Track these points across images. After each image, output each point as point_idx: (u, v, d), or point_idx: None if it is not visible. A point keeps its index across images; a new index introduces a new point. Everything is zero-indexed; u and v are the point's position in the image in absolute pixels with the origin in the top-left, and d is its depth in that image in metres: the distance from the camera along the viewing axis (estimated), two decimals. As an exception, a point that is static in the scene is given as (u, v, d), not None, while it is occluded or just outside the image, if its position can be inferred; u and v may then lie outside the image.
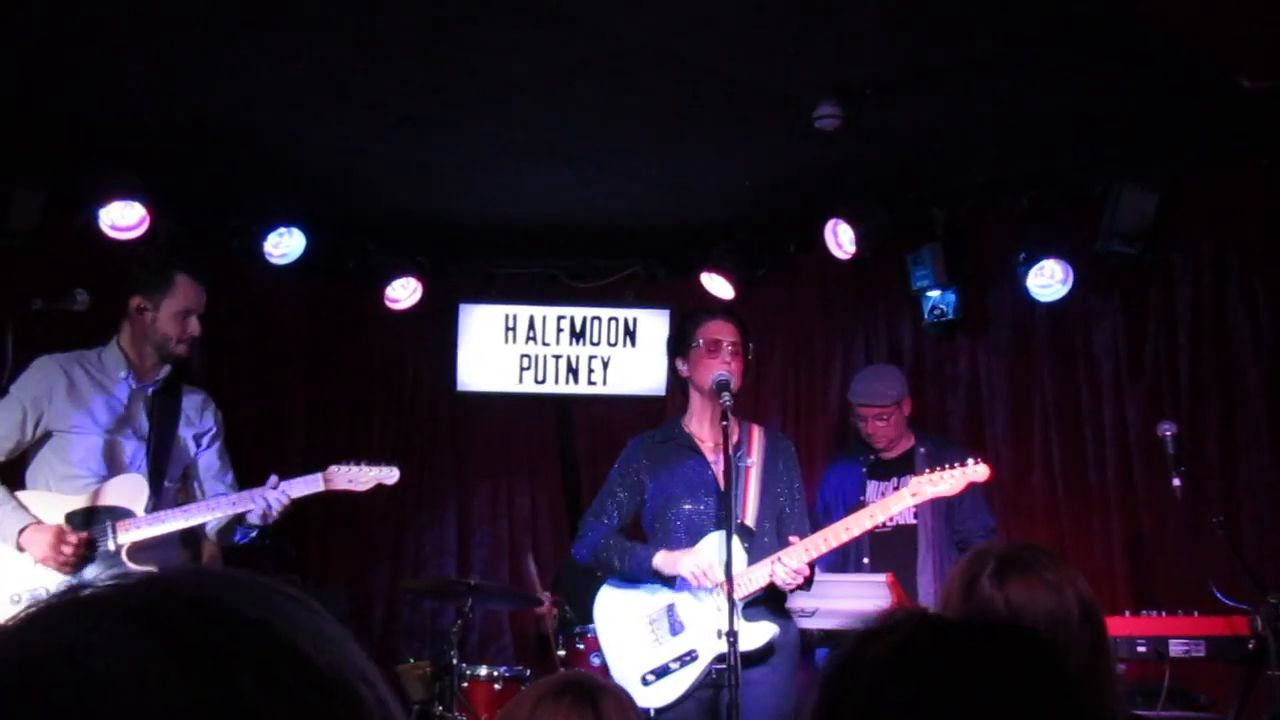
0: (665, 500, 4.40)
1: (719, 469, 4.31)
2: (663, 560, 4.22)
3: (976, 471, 4.19)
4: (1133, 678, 4.29)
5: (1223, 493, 5.28)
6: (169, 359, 4.30)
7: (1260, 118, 5.10)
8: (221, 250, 5.98)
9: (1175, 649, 4.16)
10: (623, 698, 2.22)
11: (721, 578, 4.03)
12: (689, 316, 4.60)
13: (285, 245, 6.00)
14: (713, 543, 4.20)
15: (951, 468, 4.20)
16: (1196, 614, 4.27)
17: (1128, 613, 4.39)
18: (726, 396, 4.21)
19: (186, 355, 4.35)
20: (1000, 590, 2.03)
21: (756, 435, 4.53)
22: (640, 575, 4.29)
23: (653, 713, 4.19)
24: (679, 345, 4.50)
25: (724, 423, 4.20)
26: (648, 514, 4.46)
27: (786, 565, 4.12)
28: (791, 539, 4.24)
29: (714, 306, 4.61)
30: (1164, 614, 4.30)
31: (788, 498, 4.47)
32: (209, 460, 4.42)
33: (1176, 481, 4.46)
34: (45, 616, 0.65)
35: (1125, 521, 5.70)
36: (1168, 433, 4.55)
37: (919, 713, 1.18)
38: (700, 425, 4.48)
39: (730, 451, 4.22)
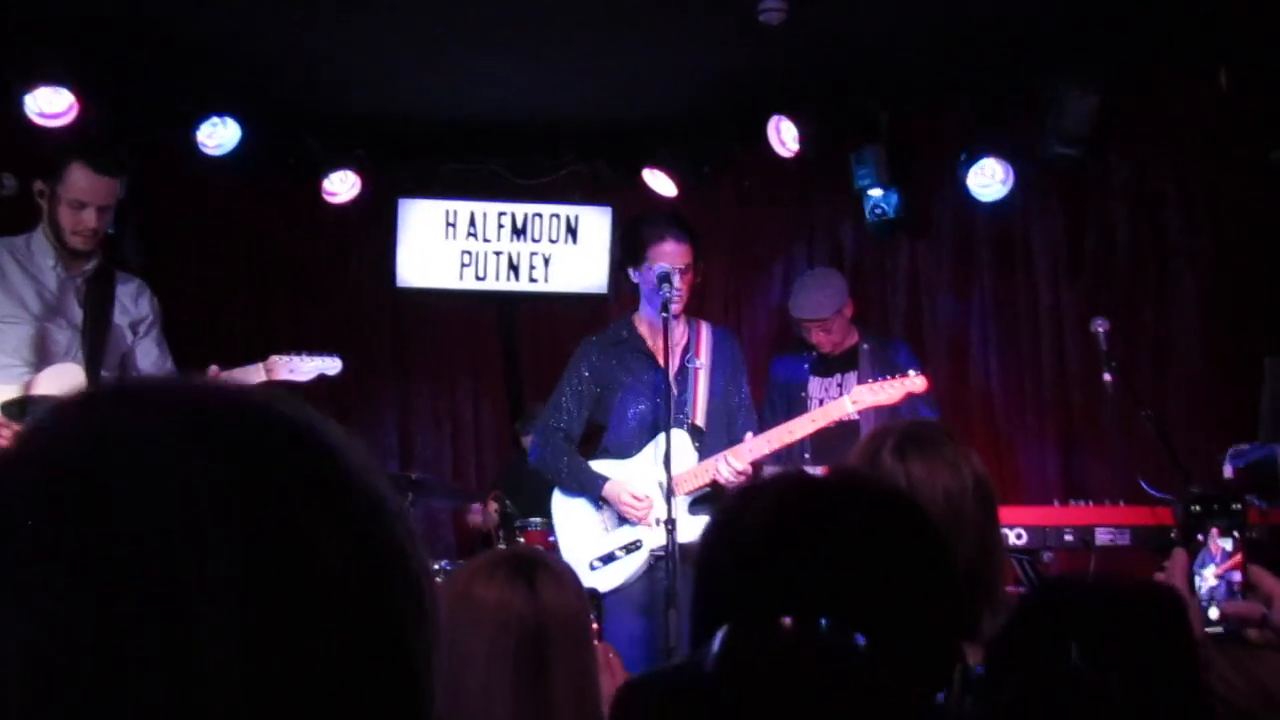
0: (618, 400, 4.63)
1: (669, 371, 4.48)
2: (608, 493, 4.49)
3: (915, 383, 4.48)
4: (1060, 566, 4.41)
5: (1154, 388, 5.41)
6: (69, 251, 4.19)
7: (1204, 22, 5.13)
8: (154, 140, 5.86)
9: (1101, 537, 4.29)
10: (560, 571, 2.19)
11: (660, 514, 4.30)
12: (643, 224, 4.67)
13: (219, 136, 5.86)
14: (662, 444, 4.36)
15: (891, 379, 4.49)
16: (1122, 504, 4.41)
17: (1056, 502, 4.53)
18: (667, 288, 4.34)
19: (86, 248, 4.19)
20: (901, 464, 2.08)
21: (704, 334, 4.71)
22: (586, 495, 4.57)
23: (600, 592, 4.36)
24: (631, 255, 4.63)
25: (664, 314, 4.31)
26: (602, 412, 4.69)
27: (731, 465, 4.37)
28: (745, 437, 4.47)
29: (664, 217, 4.65)
30: (1091, 504, 4.43)
31: (737, 397, 4.72)
32: (147, 349, 4.37)
33: (1108, 377, 4.58)
34: (93, 406, 0.67)
35: (1059, 416, 5.85)
36: (1100, 329, 4.65)
37: (793, 566, 1.21)
38: (650, 329, 4.62)
39: (671, 341, 4.42)
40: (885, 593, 1.18)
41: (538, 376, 7.05)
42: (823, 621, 1.11)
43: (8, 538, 0.60)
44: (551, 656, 2.02)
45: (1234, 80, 5.40)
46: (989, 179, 5.83)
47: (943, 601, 1.21)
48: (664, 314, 4.36)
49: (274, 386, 4.29)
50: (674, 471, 4.28)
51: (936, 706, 1.10)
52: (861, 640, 1.08)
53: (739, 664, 1.08)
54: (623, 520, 4.51)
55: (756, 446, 4.41)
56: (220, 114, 5.84)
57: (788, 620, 1.12)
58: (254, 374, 4.21)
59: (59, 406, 0.67)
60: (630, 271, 4.63)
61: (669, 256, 4.48)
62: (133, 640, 0.58)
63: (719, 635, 1.10)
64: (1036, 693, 1.20)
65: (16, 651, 0.58)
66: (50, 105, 5.28)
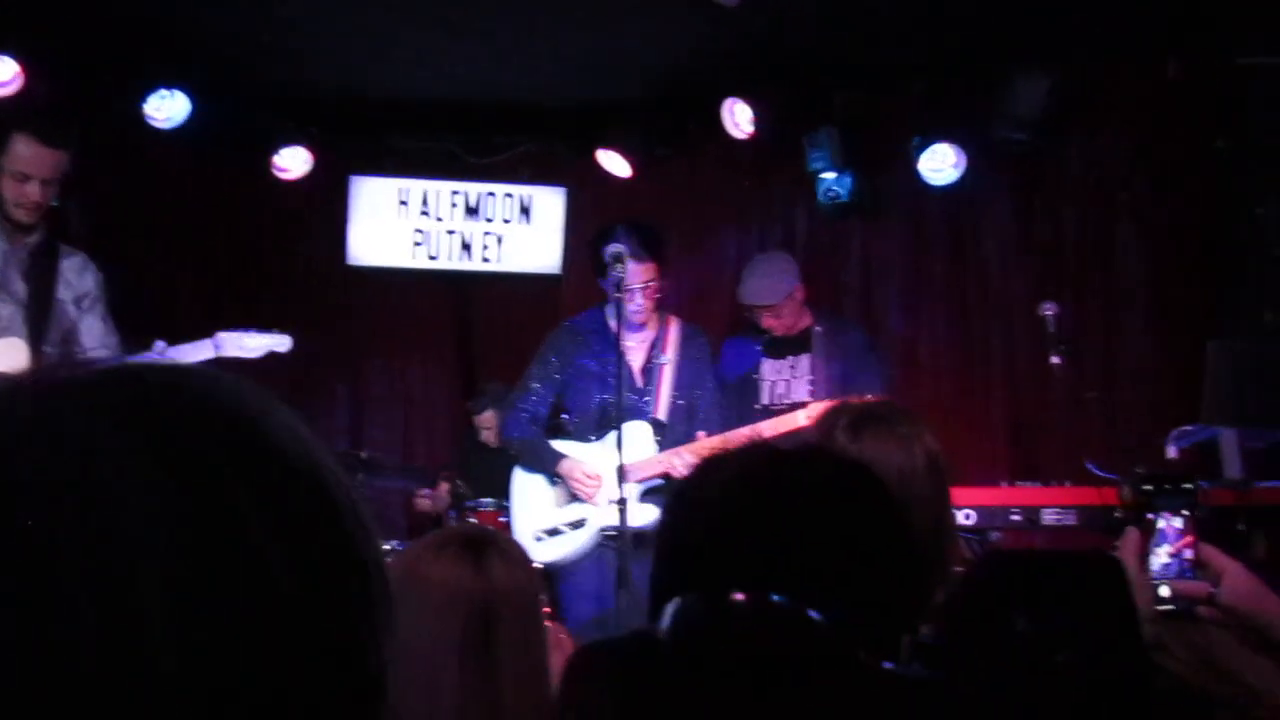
0: (584, 388, 4.84)
1: (635, 364, 4.79)
2: (563, 469, 4.74)
3: None
4: (1007, 546, 4.46)
5: (1101, 371, 5.49)
6: (12, 223, 4.13)
7: (1154, 11, 5.19)
8: (102, 110, 5.76)
9: (1048, 518, 4.35)
10: (509, 549, 2.17)
11: (610, 495, 4.52)
12: (606, 241, 4.77)
13: (168, 109, 5.77)
14: (626, 433, 4.53)
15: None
16: (1069, 485, 4.47)
17: (1004, 483, 4.58)
18: (620, 268, 4.42)
19: (29, 221, 4.13)
20: (855, 443, 2.09)
21: (673, 330, 4.89)
22: (544, 471, 4.82)
23: (543, 565, 4.51)
24: (596, 268, 4.84)
25: (617, 294, 4.41)
26: (569, 399, 4.90)
27: (685, 461, 4.53)
28: (698, 435, 4.67)
29: (626, 235, 4.70)
30: (1039, 485, 4.49)
31: (700, 393, 4.92)
32: (91, 324, 4.31)
33: (1055, 359, 4.64)
34: (16, 396, 0.63)
35: (1008, 397, 5.92)
36: (1048, 312, 4.72)
37: (755, 535, 1.22)
38: (620, 323, 4.77)
39: (631, 333, 4.67)
40: (845, 561, 1.19)
41: (491, 357, 7.03)
42: (774, 597, 1.11)
43: None
44: (499, 634, 2.01)
45: (1182, 69, 5.47)
46: (941, 163, 5.86)
47: (900, 570, 1.22)
48: (617, 294, 4.50)
49: (222, 363, 4.26)
50: (631, 460, 4.45)
51: (886, 673, 1.11)
52: (816, 615, 1.08)
53: (691, 636, 1.08)
54: (574, 498, 4.69)
55: (714, 445, 4.51)
56: (169, 86, 5.75)
57: (740, 595, 1.13)
58: (202, 350, 4.17)
59: None
60: (599, 280, 4.84)
61: (628, 275, 4.64)
62: (61, 632, 0.56)
63: (670, 608, 1.10)
64: (985, 659, 1.22)
65: None
66: (-7, 76, 5.18)
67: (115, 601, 0.57)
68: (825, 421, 2.21)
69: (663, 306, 5.07)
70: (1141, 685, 1.24)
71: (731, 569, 1.17)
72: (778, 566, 1.17)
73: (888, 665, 1.12)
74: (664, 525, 1.30)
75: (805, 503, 1.23)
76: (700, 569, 1.19)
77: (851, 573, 1.19)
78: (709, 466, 1.33)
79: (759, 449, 1.34)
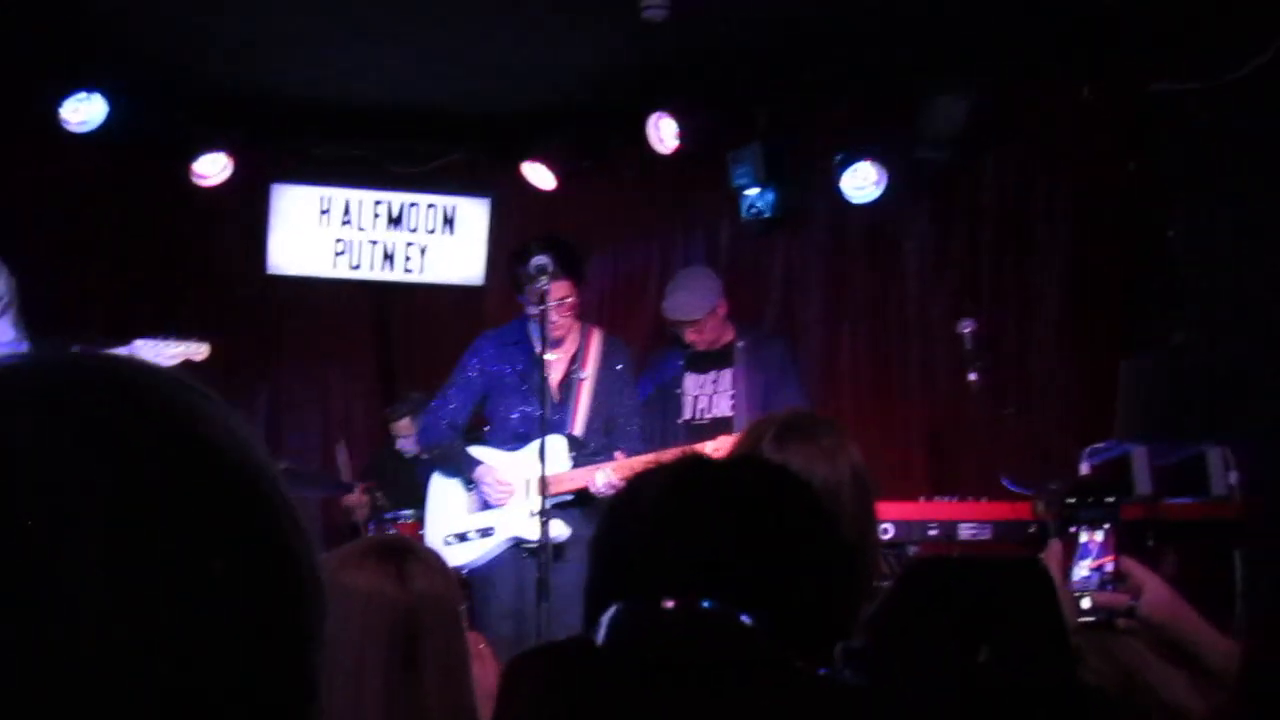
0: (502, 400, 4.82)
1: (554, 378, 4.74)
2: (478, 474, 4.74)
3: None
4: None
5: (1017, 388, 5.58)
6: None
7: (1071, 35, 5.32)
8: (16, 111, 5.64)
9: (964, 532, 4.42)
10: (428, 557, 2.18)
11: (520, 506, 4.60)
12: (524, 258, 4.72)
13: (85, 112, 5.65)
14: (537, 448, 4.50)
15: None
16: (985, 499, 4.54)
17: (922, 498, 4.65)
18: (544, 279, 4.39)
19: None
20: (780, 454, 2.10)
21: (594, 343, 4.88)
22: (460, 475, 4.82)
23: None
24: (515, 284, 4.86)
25: (540, 306, 4.40)
26: (488, 409, 4.90)
27: (604, 477, 4.54)
28: (617, 455, 4.67)
29: (544, 251, 4.67)
30: (955, 499, 4.56)
31: (619, 409, 4.90)
32: (2, 329, 4.21)
33: (972, 376, 4.72)
34: None
35: (925, 413, 6.00)
36: (966, 329, 4.79)
37: (686, 543, 1.23)
38: (541, 337, 4.74)
39: (552, 342, 4.62)
40: (776, 567, 1.20)
41: (411, 367, 6.99)
42: (705, 603, 1.12)
43: None
44: (423, 643, 2.00)
45: (1097, 92, 5.60)
46: (863, 181, 5.93)
47: (831, 575, 1.24)
48: (540, 305, 4.50)
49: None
50: (547, 474, 4.41)
51: (819, 678, 1.12)
52: (747, 619, 1.09)
53: (625, 643, 1.09)
54: (486, 505, 4.71)
55: (635, 466, 4.50)
56: (87, 89, 5.64)
57: (670, 603, 1.14)
58: (118, 357, 4.08)
59: None
60: (517, 296, 4.85)
61: (553, 292, 4.60)
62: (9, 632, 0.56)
63: (606, 616, 1.11)
64: (912, 664, 1.24)
65: None
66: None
67: (59, 604, 0.57)
68: (752, 432, 2.22)
69: (584, 318, 5.07)
70: (1065, 690, 1.26)
71: (665, 577, 1.17)
72: (710, 573, 1.18)
73: (821, 671, 1.13)
74: (598, 535, 1.31)
75: (736, 510, 1.24)
76: (634, 577, 1.20)
77: (783, 578, 1.20)
78: (641, 478, 1.33)
79: (690, 459, 1.35)
